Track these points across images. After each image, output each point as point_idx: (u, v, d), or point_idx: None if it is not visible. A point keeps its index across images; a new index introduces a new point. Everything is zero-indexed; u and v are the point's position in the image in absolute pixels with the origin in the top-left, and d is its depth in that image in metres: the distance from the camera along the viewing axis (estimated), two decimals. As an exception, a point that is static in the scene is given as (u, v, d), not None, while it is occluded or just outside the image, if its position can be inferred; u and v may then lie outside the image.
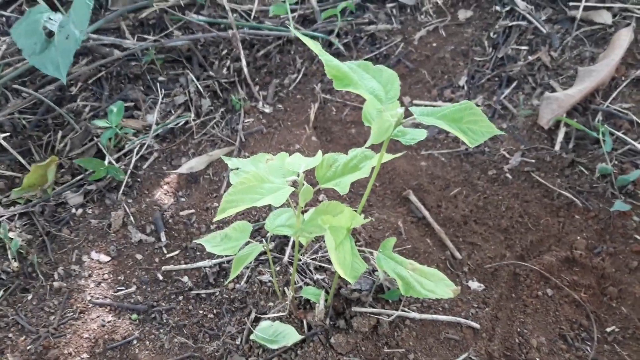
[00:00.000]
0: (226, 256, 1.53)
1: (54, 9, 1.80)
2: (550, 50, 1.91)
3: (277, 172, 1.20)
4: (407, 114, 0.95)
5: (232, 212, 0.99)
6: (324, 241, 1.52)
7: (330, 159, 1.14)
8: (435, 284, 1.12)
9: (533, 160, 1.67)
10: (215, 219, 1.02)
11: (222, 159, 1.29)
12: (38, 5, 1.62)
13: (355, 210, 1.10)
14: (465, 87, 1.89)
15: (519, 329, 1.40)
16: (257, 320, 1.41)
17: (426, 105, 1.87)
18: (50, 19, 1.54)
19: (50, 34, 1.55)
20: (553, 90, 1.82)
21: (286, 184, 1.05)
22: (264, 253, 1.49)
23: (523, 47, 1.94)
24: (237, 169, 1.25)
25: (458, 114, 0.93)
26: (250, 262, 1.50)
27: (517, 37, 1.97)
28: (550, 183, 1.63)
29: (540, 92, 1.83)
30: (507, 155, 1.70)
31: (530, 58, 1.91)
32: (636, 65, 1.80)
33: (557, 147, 1.68)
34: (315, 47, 0.92)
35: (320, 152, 1.15)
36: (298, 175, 1.08)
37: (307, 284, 1.44)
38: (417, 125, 1.79)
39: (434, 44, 2.01)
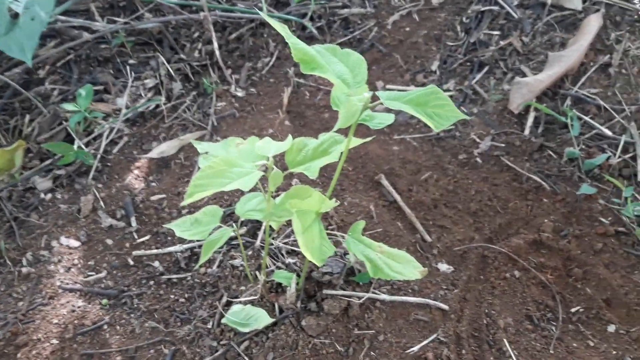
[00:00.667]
0: (197, 241, 1.52)
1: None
2: (521, 36, 1.93)
3: (247, 157, 1.20)
4: (377, 98, 0.95)
5: (200, 197, 0.99)
6: (295, 225, 1.52)
7: (300, 143, 1.15)
8: (403, 266, 1.14)
9: (503, 145, 1.70)
10: (183, 203, 1.01)
11: (192, 143, 1.28)
12: (2, -15, 1.57)
13: (326, 194, 1.11)
14: (438, 72, 1.90)
15: (486, 310, 1.43)
16: (228, 304, 1.41)
17: (399, 90, 1.88)
18: (15, 0, 1.50)
19: (15, 16, 1.51)
20: (524, 75, 1.84)
21: (256, 168, 1.05)
22: (236, 238, 1.49)
23: (495, 32, 1.95)
24: (207, 153, 1.25)
25: (424, 98, 0.93)
26: (222, 247, 1.50)
27: (489, 22, 1.98)
28: (520, 167, 1.65)
29: (511, 77, 1.85)
30: (478, 140, 1.72)
31: (502, 43, 1.92)
32: (604, 51, 1.83)
33: (526, 132, 1.71)
34: (282, 30, 0.91)
35: (290, 137, 1.15)
36: (268, 160, 1.08)
37: (279, 268, 1.45)
38: (388, 110, 1.81)
39: (407, 29, 2.01)
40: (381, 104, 0.94)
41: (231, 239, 1.50)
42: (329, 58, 0.96)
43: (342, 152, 1.09)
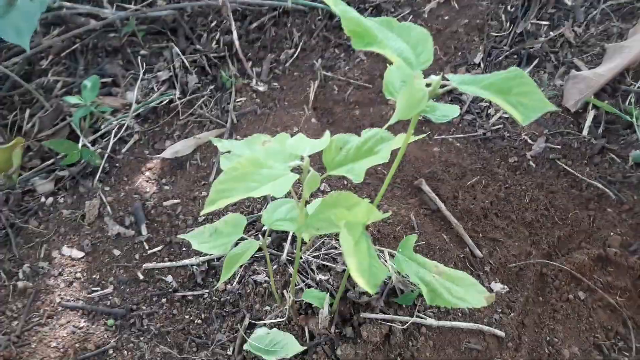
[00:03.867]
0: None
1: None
2: (574, 26, 1.74)
3: (277, 156, 1.01)
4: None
5: (224, 204, 0.81)
6: (327, 236, 1.34)
7: (340, 140, 0.96)
8: (466, 290, 0.95)
9: (558, 147, 1.50)
10: (203, 212, 0.83)
11: (212, 141, 1.10)
12: (0, -36, 1.40)
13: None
14: (482, 65, 1.71)
15: (548, 338, 1.24)
16: (251, 326, 1.23)
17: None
18: (12, -22, 1.33)
19: (12, -4, 1.34)
20: (577, 69, 1.64)
21: (288, 169, 0.87)
22: (260, 250, 1.31)
23: (544, 22, 1.76)
24: (229, 152, 1.07)
25: (506, 84, 0.74)
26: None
27: (537, 10, 1.78)
28: (579, 172, 1.46)
29: (563, 71, 1.65)
30: (530, 141, 1.53)
31: (552, 34, 1.73)
32: (670, 43, 1.63)
33: (585, 132, 1.51)
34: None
35: (328, 133, 0.96)
36: (302, 160, 0.90)
37: (309, 286, 1.26)
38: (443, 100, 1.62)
39: (446, 17, 1.82)
40: (451, 90, 0.75)
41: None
42: (386, 33, 0.78)
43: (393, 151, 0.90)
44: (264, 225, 1.37)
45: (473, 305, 0.92)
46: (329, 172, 0.93)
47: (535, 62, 1.69)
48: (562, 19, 1.76)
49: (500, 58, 1.72)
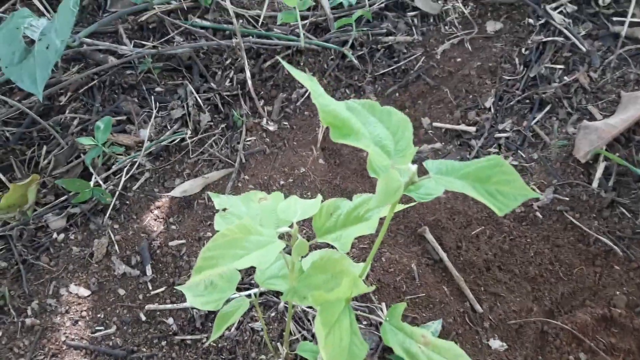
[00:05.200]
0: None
1: (42, 13, 1.66)
2: (589, 71, 1.71)
3: (269, 218, 1.03)
4: (424, 170, 0.77)
5: (210, 274, 0.82)
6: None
7: (331, 205, 0.97)
8: (451, 363, 0.94)
9: (567, 198, 1.48)
10: (190, 281, 0.85)
11: (210, 195, 1.13)
12: (22, 9, 1.47)
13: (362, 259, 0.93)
14: (492, 110, 1.70)
15: (545, 400, 1.22)
16: (246, 374, 1.25)
17: (447, 129, 1.69)
18: (31, 25, 1.39)
19: (31, 43, 1.40)
20: (592, 116, 1.62)
21: (276, 236, 0.88)
22: (261, 293, 1.32)
23: (558, 66, 1.74)
24: (225, 209, 1.09)
25: (484, 172, 0.74)
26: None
27: (552, 54, 1.76)
28: (586, 226, 1.43)
29: (577, 118, 1.63)
30: (538, 191, 1.51)
31: (566, 79, 1.70)
32: (689, 92, 1.59)
33: (595, 184, 1.49)
34: (311, 84, 0.74)
35: (319, 197, 0.98)
36: (292, 226, 0.92)
37: (305, 337, 1.27)
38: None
39: (459, 59, 1.82)
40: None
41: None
42: (366, 117, 0.79)
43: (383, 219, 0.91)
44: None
45: (457, 379, 0.91)
46: (318, 238, 0.94)
47: (548, 107, 1.67)
48: (577, 63, 1.73)
49: (511, 102, 1.70)
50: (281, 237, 0.89)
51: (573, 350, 1.28)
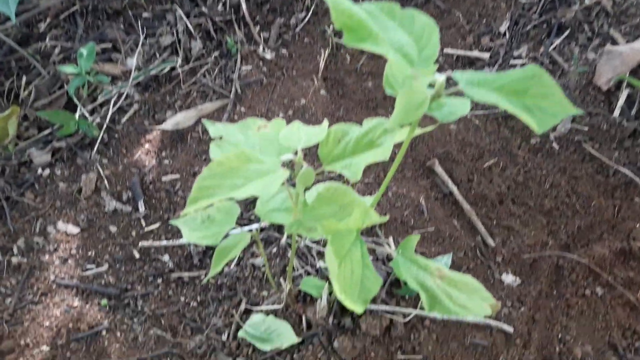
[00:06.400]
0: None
1: None
2: (612, -8, 1.58)
3: (270, 147, 0.94)
4: (452, 82, 0.67)
5: (206, 203, 0.74)
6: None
7: (339, 131, 0.88)
8: (468, 297, 0.87)
9: (586, 128, 1.39)
10: (183, 212, 0.77)
11: (204, 123, 1.03)
12: None
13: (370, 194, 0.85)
14: (507, 35, 1.57)
15: (560, 335, 1.17)
16: (247, 312, 1.19)
17: (459, 55, 1.57)
18: (0, -64, 1.24)
19: (1, -44, 1.26)
20: (614, 41, 1.50)
21: (279, 165, 0.79)
22: (262, 229, 1.25)
23: (579, -13, 1.60)
24: (221, 138, 0.99)
25: (521, 84, 0.65)
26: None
27: (572, -27, 1.63)
28: (606, 157, 1.35)
29: (598, 43, 1.51)
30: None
31: (587, 1, 1.58)
32: None
33: (616, 113, 1.39)
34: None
35: (326, 122, 0.88)
36: (296, 154, 0.82)
37: (308, 273, 1.21)
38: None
39: (471, -20, 1.68)
40: (452, 90, 0.66)
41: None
42: (385, 22, 0.68)
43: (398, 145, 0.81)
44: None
45: (476, 314, 0.85)
46: (325, 167, 0.85)
47: (567, 32, 1.55)
48: (599, -17, 1.60)
49: (528, 27, 1.58)
50: (284, 166, 0.80)
51: (589, 284, 1.22)
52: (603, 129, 1.38)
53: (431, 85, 0.64)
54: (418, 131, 0.86)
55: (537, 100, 0.65)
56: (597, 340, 1.17)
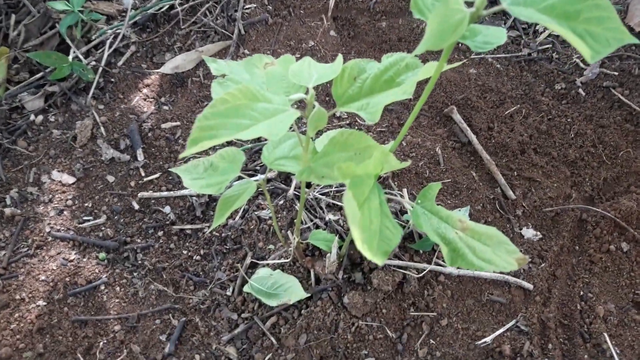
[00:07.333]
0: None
1: None
2: None
3: (278, 85, 0.85)
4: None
5: (208, 145, 0.66)
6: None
7: (355, 67, 0.79)
8: (493, 250, 0.81)
9: (615, 73, 1.29)
10: (183, 155, 0.69)
11: (205, 60, 0.94)
12: None
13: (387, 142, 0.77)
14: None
15: (581, 292, 1.11)
16: (253, 266, 1.13)
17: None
18: None
19: None
20: (649, -22, 1.38)
21: (289, 104, 0.71)
22: (268, 180, 1.18)
23: None
24: (224, 76, 0.91)
25: (573, 6, 0.56)
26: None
27: None
28: (636, 104, 1.25)
29: (631, -20, 1.40)
30: (582, 65, 1.32)
31: None
32: None
33: (649, 56, 1.29)
34: None
35: (340, 57, 0.79)
36: (307, 92, 0.74)
37: (317, 226, 1.14)
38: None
39: None
40: (495, 10, 0.57)
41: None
42: None
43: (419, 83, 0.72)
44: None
45: (501, 269, 0.78)
46: (339, 107, 0.77)
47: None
48: None
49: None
50: (293, 106, 0.71)
51: (614, 239, 1.15)
52: (634, 73, 1.28)
53: (468, 4, 0.54)
54: (446, 67, 0.77)
55: (590, 26, 0.56)
56: (620, 298, 1.11)
